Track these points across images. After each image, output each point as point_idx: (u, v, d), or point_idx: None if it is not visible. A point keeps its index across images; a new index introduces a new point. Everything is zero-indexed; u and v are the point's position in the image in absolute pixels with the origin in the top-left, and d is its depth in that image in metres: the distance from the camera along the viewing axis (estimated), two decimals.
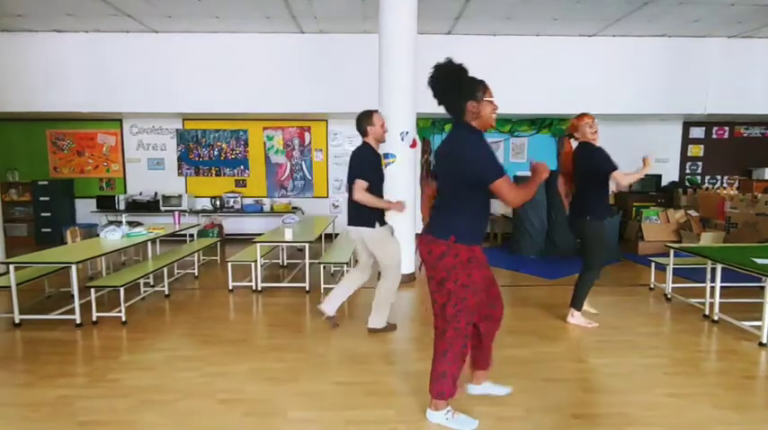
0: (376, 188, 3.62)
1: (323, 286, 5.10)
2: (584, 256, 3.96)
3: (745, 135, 8.90)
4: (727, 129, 8.89)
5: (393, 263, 3.78)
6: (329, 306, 3.93)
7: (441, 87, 2.33)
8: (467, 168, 2.27)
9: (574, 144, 3.93)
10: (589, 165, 3.75)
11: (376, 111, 3.72)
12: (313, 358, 3.38)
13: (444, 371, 2.41)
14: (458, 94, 2.30)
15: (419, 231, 2.72)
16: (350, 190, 3.64)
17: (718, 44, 7.54)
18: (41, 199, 8.10)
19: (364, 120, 3.66)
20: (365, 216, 3.63)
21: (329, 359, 3.36)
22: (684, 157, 8.99)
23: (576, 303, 4.03)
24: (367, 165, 3.60)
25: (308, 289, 5.09)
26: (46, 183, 8.15)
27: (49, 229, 8.13)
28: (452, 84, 2.31)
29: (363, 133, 3.68)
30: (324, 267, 5.27)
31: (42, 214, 8.14)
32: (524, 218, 6.99)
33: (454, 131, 2.39)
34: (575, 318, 4.04)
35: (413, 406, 2.69)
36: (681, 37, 7.49)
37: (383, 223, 3.72)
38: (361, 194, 3.53)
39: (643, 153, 3.85)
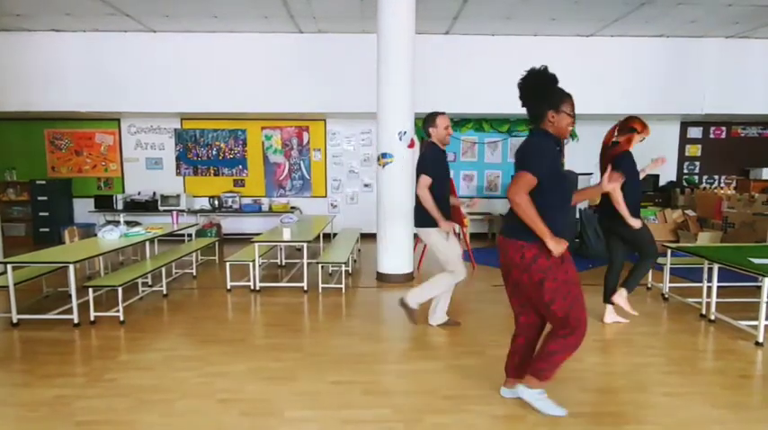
0: (439, 185, 3.69)
1: (321, 286, 5.10)
2: (639, 249, 3.99)
3: (742, 135, 8.93)
4: (724, 129, 8.91)
5: (454, 262, 3.75)
6: (412, 299, 3.88)
7: (529, 91, 2.45)
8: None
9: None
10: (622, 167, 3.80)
11: (442, 113, 3.76)
12: (310, 357, 3.38)
13: (555, 351, 2.47)
14: (541, 102, 2.43)
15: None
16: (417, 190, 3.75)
17: (715, 44, 7.56)
18: (39, 198, 8.10)
19: (427, 122, 3.77)
20: (426, 215, 3.69)
21: (326, 358, 3.37)
22: (682, 157, 9.01)
23: (630, 284, 4.05)
24: (431, 162, 3.68)
25: (305, 288, 5.10)
26: (44, 182, 8.14)
27: (47, 229, 8.13)
28: (540, 91, 2.43)
29: (427, 134, 3.78)
30: (322, 267, 5.27)
31: (40, 214, 8.14)
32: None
33: (528, 137, 2.52)
34: (621, 298, 4.06)
35: (410, 405, 2.70)
36: (678, 37, 7.51)
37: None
38: (422, 190, 3.63)
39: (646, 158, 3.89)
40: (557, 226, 2.38)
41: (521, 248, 2.42)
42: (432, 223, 3.67)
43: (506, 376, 2.77)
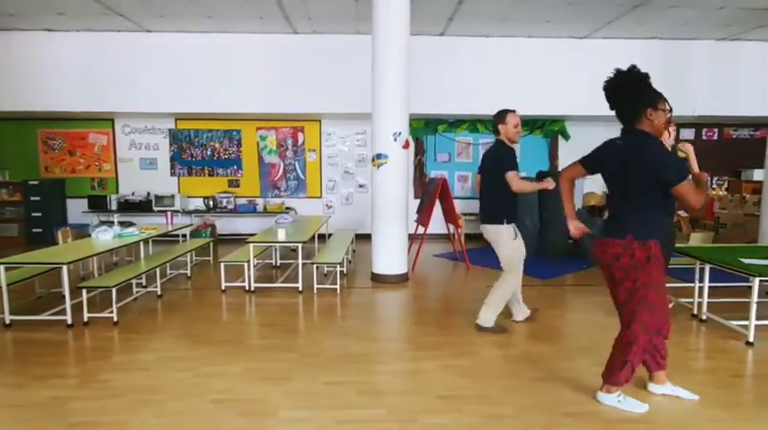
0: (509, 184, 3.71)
1: (316, 286, 5.10)
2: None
3: (734, 136, 9.01)
4: (716, 130, 8.98)
5: (513, 263, 3.78)
6: (485, 320, 3.86)
7: (621, 92, 2.44)
8: (648, 172, 2.35)
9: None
10: None
11: (513, 110, 3.75)
12: (305, 358, 3.39)
13: (627, 361, 2.54)
14: (638, 101, 2.41)
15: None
16: (484, 188, 3.83)
17: (707, 47, 7.63)
18: (32, 199, 8.04)
19: (497, 119, 3.75)
20: (495, 213, 3.74)
21: (321, 359, 3.37)
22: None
23: None
24: (510, 158, 3.68)
25: (300, 289, 5.09)
26: (37, 182, 8.09)
27: (39, 230, 8.06)
28: (635, 90, 2.42)
29: (496, 132, 3.77)
30: (317, 268, 5.27)
31: (33, 214, 8.08)
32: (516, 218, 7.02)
33: (628, 137, 2.48)
34: None
35: (405, 405, 2.71)
36: (671, 39, 7.57)
37: (510, 221, 3.75)
38: (519, 183, 3.62)
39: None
40: (663, 224, 2.42)
41: (603, 245, 2.49)
42: (501, 220, 3.71)
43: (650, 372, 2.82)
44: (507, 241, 3.75)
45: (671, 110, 2.49)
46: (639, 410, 2.59)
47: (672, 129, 3.87)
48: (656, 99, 2.41)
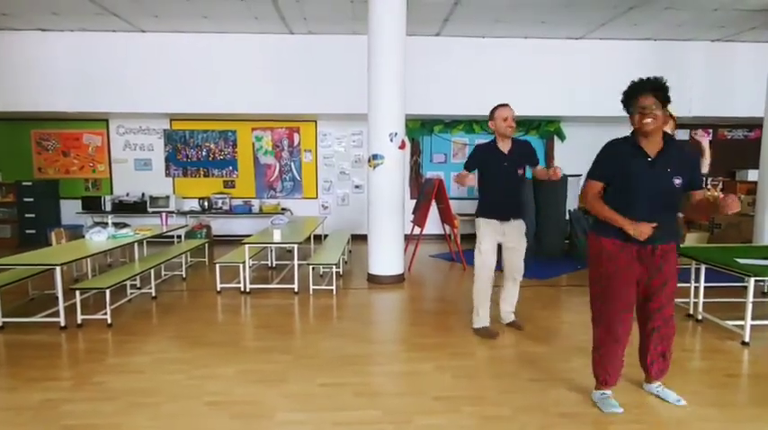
0: (489, 180, 3.75)
1: (312, 287, 5.08)
2: None
3: (728, 137, 9.05)
4: (711, 131, 9.02)
5: (478, 260, 3.77)
6: (475, 323, 3.88)
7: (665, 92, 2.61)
8: None
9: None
10: None
11: (502, 105, 3.68)
12: (301, 360, 3.37)
13: (593, 349, 2.69)
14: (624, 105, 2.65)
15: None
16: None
17: (701, 48, 7.66)
18: (25, 200, 7.97)
19: (489, 117, 3.74)
20: (479, 205, 3.84)
21: (317, 360, 3.35)
22: None
23: None
24: (470, 154, 3.82)
25: (296, 290, 5.07)
26: (30, 183, 8.03)
27: (33, 231, 8.00)
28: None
29: (491, 130, 3.80)
30: (313, 268, 5.25)
31: (26, 215, 8.01)
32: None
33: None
34: None
35: (401, 406, 2.70)
36: (666, 40, 7.60)
37: (489, 217, 3.74)
38: (457, 178, 3.68)
39: None
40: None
41: (589, 238, 2.68)
42: (477, 213, 3.81)
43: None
44: (478, 237, 3.78)
45: (643, 107, 2.61)
46: (610, 410, 2.60)
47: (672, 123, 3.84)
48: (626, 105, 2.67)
